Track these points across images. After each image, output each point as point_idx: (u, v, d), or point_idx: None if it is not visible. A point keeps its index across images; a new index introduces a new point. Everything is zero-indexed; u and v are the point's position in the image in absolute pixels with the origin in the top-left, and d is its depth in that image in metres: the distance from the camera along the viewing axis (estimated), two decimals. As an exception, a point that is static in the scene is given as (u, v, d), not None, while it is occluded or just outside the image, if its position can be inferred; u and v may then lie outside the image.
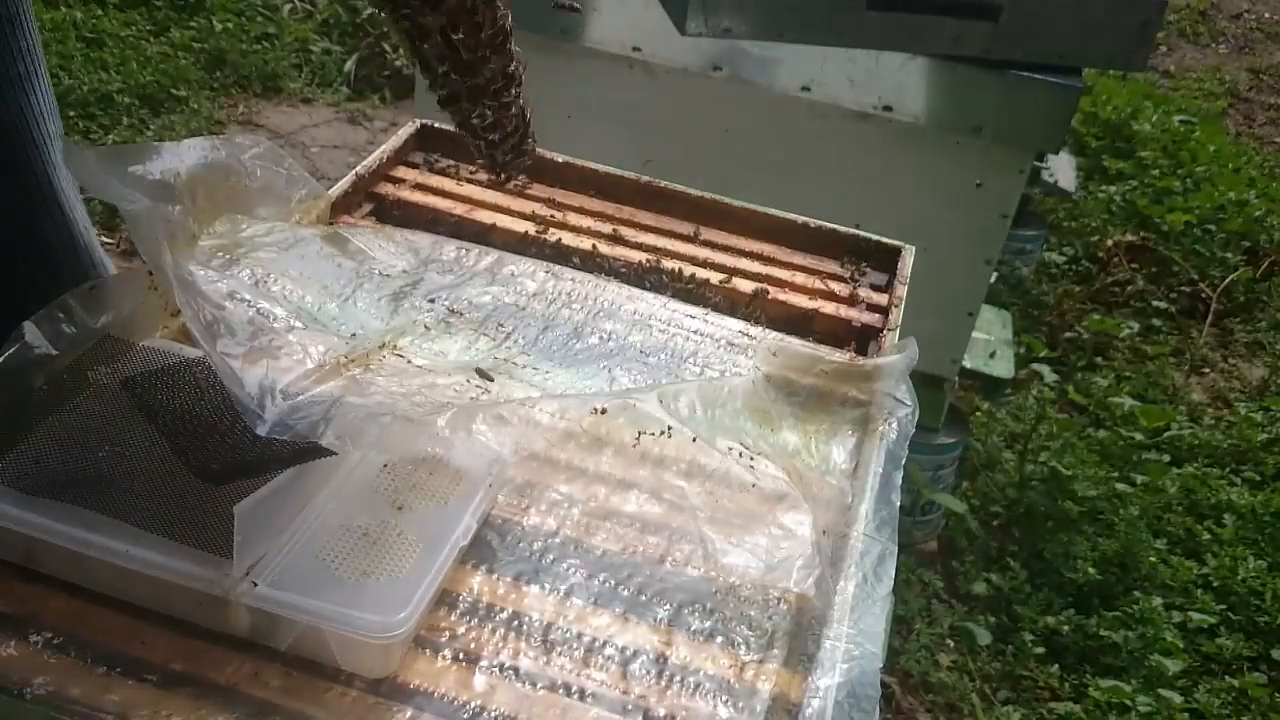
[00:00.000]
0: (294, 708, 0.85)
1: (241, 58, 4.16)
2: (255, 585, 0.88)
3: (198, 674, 0.87)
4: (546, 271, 1.39)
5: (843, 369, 1.26)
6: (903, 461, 1.15)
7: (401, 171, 1.59)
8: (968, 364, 2.54)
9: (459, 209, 1.52)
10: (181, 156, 1.19)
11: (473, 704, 0.88)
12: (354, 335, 1.21)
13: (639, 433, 1.16)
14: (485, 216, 1.51)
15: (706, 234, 1.56)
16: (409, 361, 1.19)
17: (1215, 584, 2.63)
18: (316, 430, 0.94)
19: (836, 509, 1.10)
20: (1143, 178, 4.35)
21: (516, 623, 0.95)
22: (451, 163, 1.63)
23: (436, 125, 1.66)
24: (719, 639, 0.97)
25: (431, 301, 1.30)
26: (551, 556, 1.02)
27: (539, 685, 0.90)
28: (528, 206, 1.55)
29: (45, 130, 1.39)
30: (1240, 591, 2.60)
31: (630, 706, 0.90)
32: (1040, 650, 2.38)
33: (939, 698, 2.26)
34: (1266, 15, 6.92)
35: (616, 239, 1.51)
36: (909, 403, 1.21)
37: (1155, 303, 3.78)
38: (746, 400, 1.18)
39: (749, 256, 1.53)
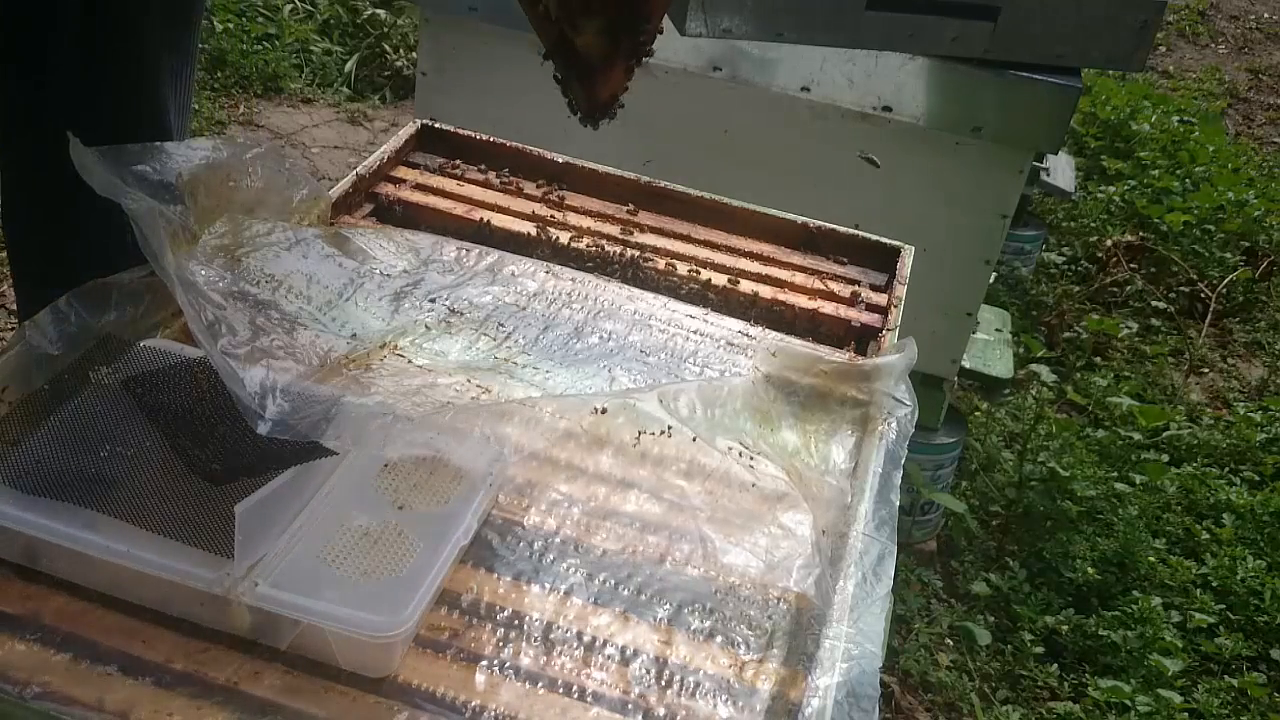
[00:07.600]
0: (295, 707, 0.86)
1: (242, 58, 4.16)
2: (256, 585, 0.88)
3: (198, 673, 0.87)
4: (546, 271, 1.39)
5: (842, 369, 1.26)
6: (902, 461, 1.16)
7: (402, 172, 1.59)
8: (967, 364, 2.53)
9: (459, 209, 1.52)
10: (183, 156, 1.20)
11: (473, 704, 0.88)
12: (354, 335, 1.21)
13: (639, 433, 1.16)
14: (486, 216, 1.51)
15: (706, 234, 1.56)
16: (409, 361, 1.20)
17: (1214, 584, 2.63)
18: (317, 430, 0.94)
19: (836, 508, 1.10)
20: (1142, 178, 4.35)
21: (516, 622, 0.96)
22: (451, 162, 1.63)
23: (437, 125, 1.66)
24: (719, 639, 0.97)
25: (432, 301, 1.30)
26: (551, 556, 1.02)
27: (539, 685, 0.91)
28: (528, 206, 1.55)
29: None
30: (1239, 591, 2.60)
31: (630, 706, 0.90)
32: (1039, 650, 2.38)
33: (938, 697, 2.26)
34: (1266, 15, 6.92)
35: (616, 239, 1.51)
36: (908, 402, 1.21)
37: (1154, 303, 3.78)
38: (746, 400, 1.18)
39: (749, 256, 1.53)
